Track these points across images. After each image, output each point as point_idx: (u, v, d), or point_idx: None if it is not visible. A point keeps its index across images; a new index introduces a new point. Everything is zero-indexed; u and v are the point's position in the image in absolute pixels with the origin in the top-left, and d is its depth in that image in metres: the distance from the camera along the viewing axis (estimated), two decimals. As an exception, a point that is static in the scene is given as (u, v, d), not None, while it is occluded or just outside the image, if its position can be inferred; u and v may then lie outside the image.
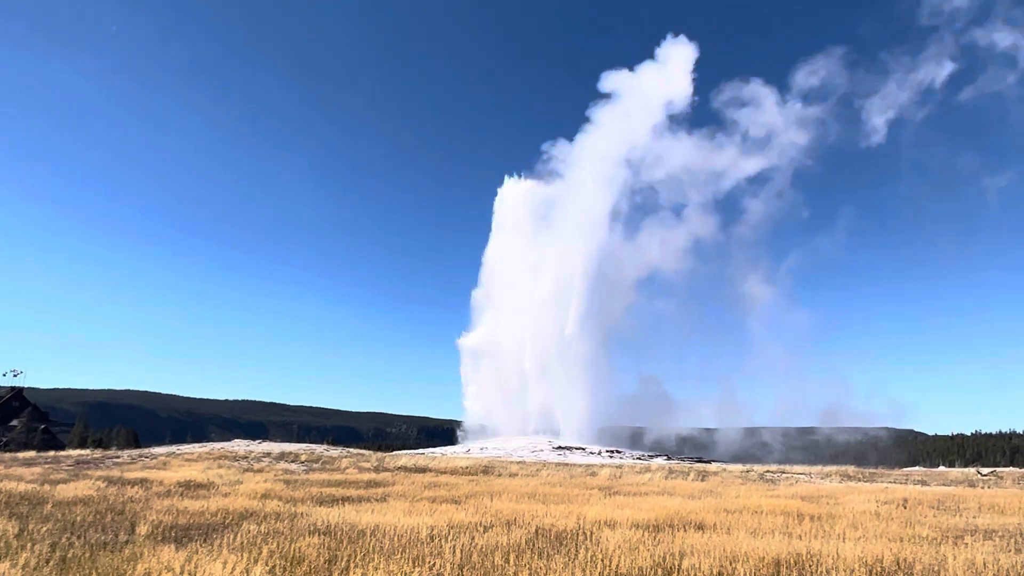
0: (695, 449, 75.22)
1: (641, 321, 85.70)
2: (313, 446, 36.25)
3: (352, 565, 6.13)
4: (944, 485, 21.95)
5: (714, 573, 6.28)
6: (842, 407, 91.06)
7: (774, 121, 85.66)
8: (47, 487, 13.48)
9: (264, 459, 24.87)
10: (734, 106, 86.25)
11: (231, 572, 5.68)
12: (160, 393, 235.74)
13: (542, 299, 68.21)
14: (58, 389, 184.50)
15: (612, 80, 74.85)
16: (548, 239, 72.33)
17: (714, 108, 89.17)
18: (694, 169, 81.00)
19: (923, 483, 22.79)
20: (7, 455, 28.95)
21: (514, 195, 74.74)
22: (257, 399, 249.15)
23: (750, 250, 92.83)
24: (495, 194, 74.88)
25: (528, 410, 64.75)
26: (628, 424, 76.41)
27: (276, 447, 32.80)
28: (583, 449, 47.72)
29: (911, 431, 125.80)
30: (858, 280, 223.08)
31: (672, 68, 74.91)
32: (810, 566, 6.61)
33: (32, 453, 29.79)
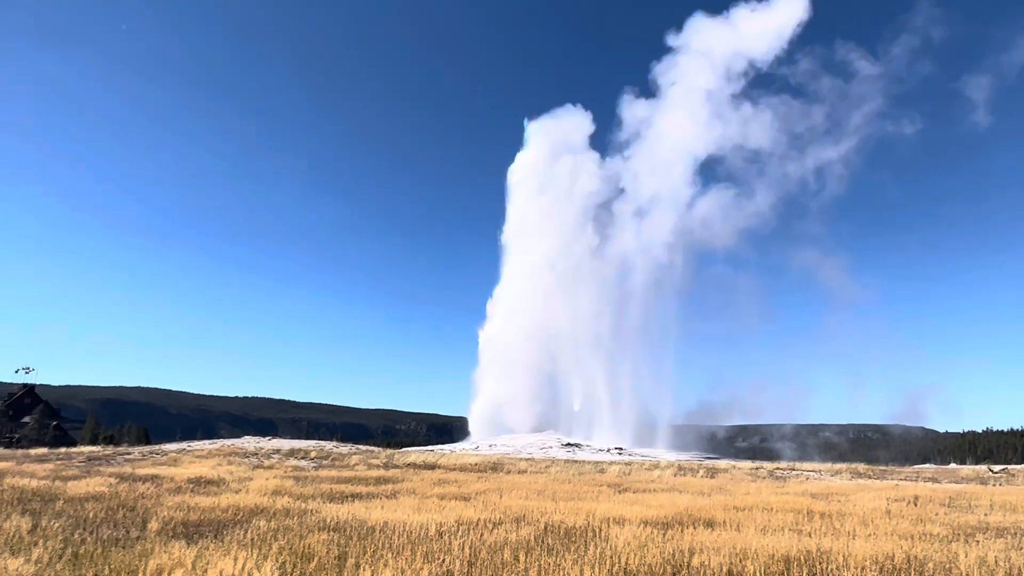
0: (754, 452, 70.59)
1: (697, 308, 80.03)
2: (323, 443, 36.38)
3: (362, 561, 6.15)
4: (955, 483, 21.82)
5: (724, 570, 6.25)
6: (912, 405, 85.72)
7: (862, 91, 76.63)
8: (59, 483, 13.60)
9: (274, 456, 24.98)
10: (818, 72, 76.87)
11: (241, 568, 5.70)
12: (171, 390, 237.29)
13: (597, 290, 62.58)
14: (69, 386, 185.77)
15: (687, 33, 65.50)
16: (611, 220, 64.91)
17: (796, 73, 77.58)
18: (770, 141, 71.28)
19: (934, 480, 22.65)
20: (19, 451, 29.26)
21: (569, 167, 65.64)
22: (267, 396, 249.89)
23: (825, 233, 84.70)
24: (499, 191, 69.87)
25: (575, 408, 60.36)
26: (694, 423, 71.30)
27: (286, 444, 32.91)
28: (591, 446, 47.70)
29: (921, 428, 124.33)
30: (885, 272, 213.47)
31: (772, 22, 65.45)
32: (820, 564, 6.57)
33: (44, 449, 30.08)
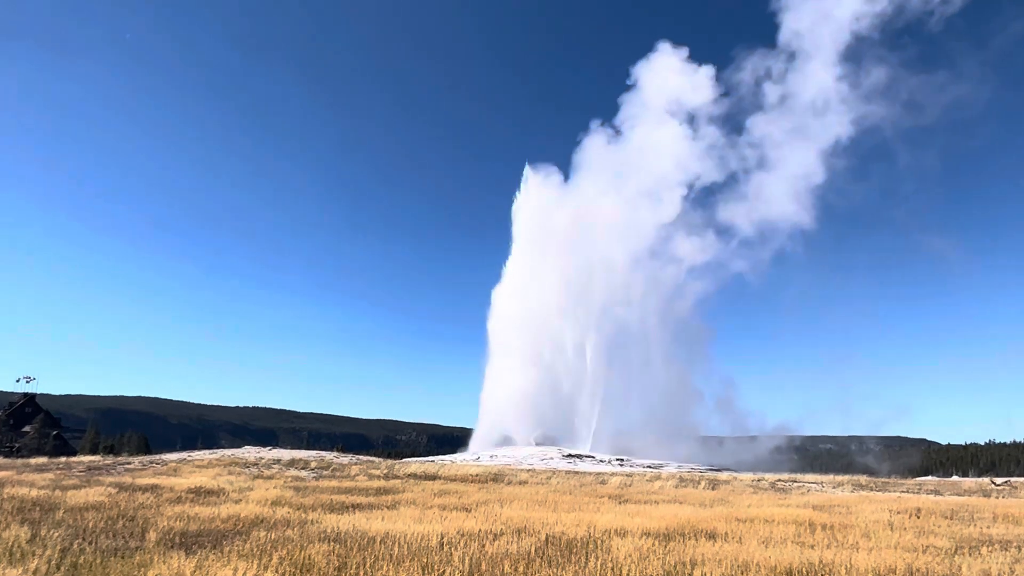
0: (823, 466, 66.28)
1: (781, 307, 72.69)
2: (323, 453, 36.26)
3: (362, 572, 6.13)
4: (958, 495, 21.70)
5: (725, 583, 6.23)
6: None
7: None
8: (59, 493, 13.56)
9: (274, 466, 24.91)
10: (977, 38, 71.63)
11: (241, 579, 5.69)
12: (171, 400, 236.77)
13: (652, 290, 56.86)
14: (70, 395, 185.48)
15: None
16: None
17: (948, 33, 73.60)
18: (892, 112, 64.23)
19: (936, 493, 22.53)
20: (19, 460, 29.19)
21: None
22: (268, 406, 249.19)
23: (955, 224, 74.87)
24: (504, 194, 64.32)
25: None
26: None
27: (286, 454, 32.81)
28: (592, 457, 47.47)
29: (923, 440, 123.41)
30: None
31: None
32: (822, 576, 6.54)
33: (44, 459, 30.00)
